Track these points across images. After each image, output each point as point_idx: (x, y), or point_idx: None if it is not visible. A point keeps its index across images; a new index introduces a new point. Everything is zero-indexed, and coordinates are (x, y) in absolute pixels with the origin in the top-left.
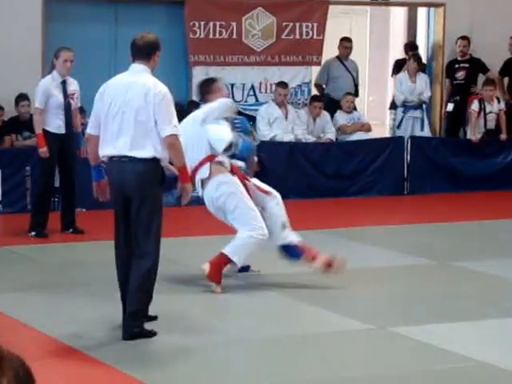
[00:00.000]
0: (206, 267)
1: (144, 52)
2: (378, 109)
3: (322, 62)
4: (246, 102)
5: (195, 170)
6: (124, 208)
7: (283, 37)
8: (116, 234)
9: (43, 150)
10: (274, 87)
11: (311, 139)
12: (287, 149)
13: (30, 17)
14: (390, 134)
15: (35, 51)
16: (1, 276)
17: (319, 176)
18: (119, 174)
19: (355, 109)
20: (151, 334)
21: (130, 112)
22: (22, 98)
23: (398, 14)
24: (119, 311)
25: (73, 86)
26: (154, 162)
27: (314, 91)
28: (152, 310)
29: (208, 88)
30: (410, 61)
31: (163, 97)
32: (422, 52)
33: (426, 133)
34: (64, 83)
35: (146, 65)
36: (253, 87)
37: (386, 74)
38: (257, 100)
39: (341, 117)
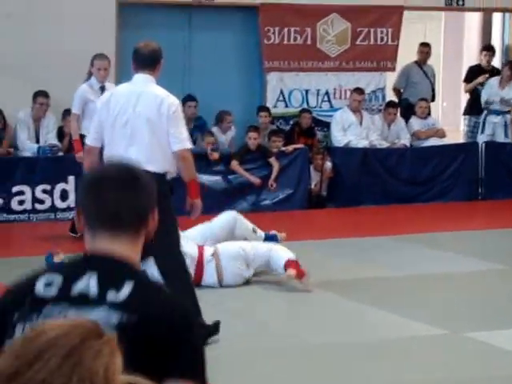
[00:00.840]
0: (291, 272)
1: (150, 61)
2: (452, 114)
3: (399, 67)
4: (320, 107)
5: (199, 273)
6: None
7: (358, 42)
8: None
9: (80, 156)
10: (348, 93)
11: (385, 145)
12: (361, 154)
13: (104, 24)
14: (464, 139)
15: (110, 58)
16: None
17: (393, 182)
18: None
19: (429, 114)
20: (215, 328)
21: (142, 123)
22: None
23: (473, 19)
24: None
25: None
26: (164, 175)
27: (390, 97)
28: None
29: None
30: (505, 68)
31: (176, 108)
32: (497, 57)
33: (510, 139)
34: (103, 89)
35: (151, 75)
36: (327, 93)
37: (459, 80)
38: (331, 106)
39: (415, 122)
